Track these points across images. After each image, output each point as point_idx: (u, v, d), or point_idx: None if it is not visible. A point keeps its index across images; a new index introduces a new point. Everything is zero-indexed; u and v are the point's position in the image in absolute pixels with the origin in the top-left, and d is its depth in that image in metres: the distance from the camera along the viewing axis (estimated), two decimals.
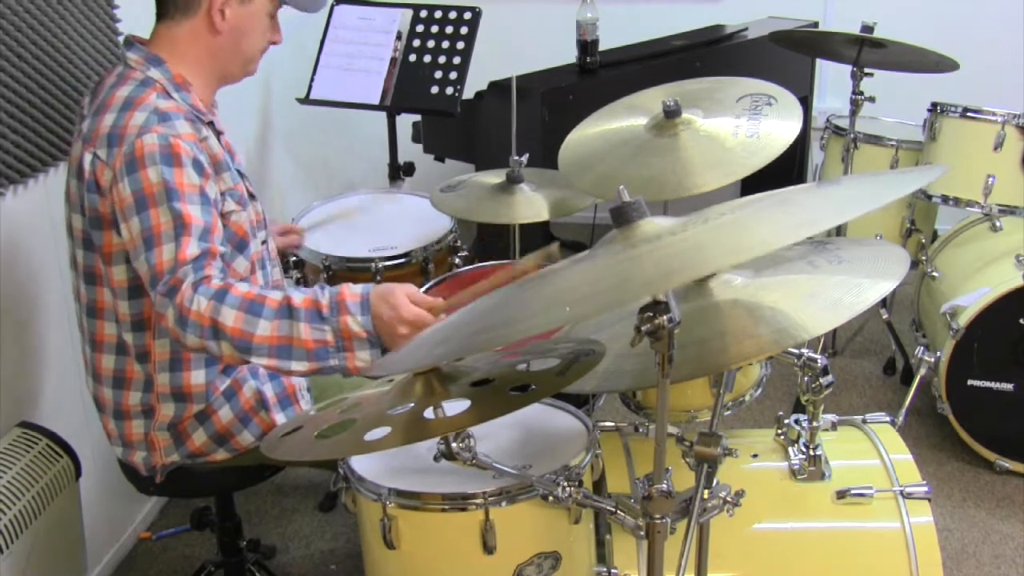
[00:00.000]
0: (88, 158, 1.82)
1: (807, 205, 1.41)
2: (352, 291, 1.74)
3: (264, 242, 2.05)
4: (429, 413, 1.49)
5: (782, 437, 2.00)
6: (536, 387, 1.55)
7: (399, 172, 3.46)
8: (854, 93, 3.23)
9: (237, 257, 1.91)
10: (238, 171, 1.96)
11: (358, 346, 1.73)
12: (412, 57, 3.24)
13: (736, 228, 1.31)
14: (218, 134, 1.94)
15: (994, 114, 3.01)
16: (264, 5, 1.93)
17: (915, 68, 3.20)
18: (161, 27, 1.92)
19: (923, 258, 3.28)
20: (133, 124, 1.79)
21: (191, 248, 1.74)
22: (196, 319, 1.70)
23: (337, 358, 1.73)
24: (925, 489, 1.90)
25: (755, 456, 2.01)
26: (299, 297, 1.73)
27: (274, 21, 1.99)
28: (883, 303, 3.43)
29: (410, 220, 2.77)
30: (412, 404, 1.52)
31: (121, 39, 2.53)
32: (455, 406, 1.51)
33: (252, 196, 2.00)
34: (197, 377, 1.94)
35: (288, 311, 1.72)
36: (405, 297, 1.74)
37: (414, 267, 2.61)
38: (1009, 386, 2.88)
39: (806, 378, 1.88)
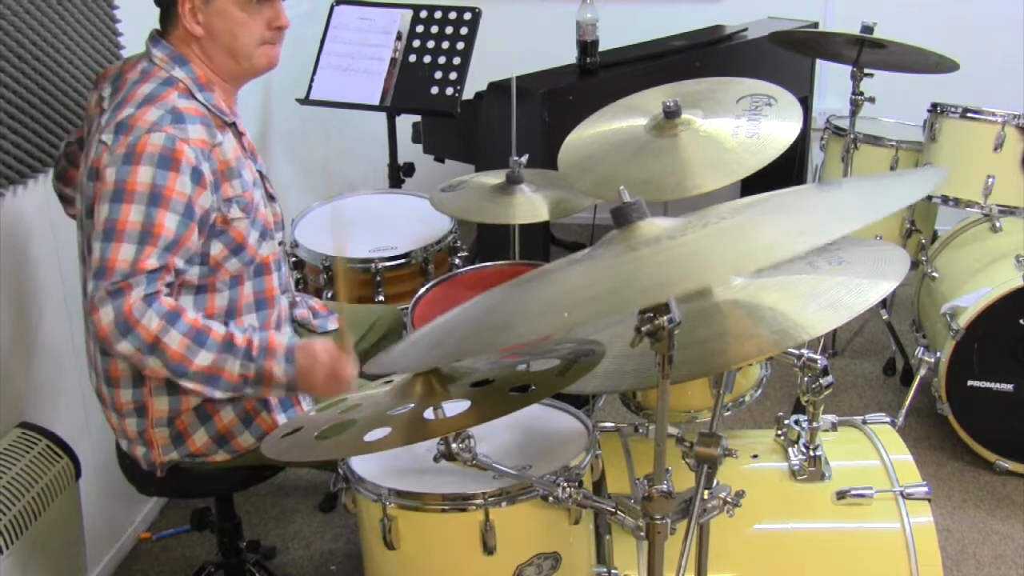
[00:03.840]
0: (96, 145, 1.84)
1: (809, 212, 1.40)
2: (279, 341, 1.87)
3: (281, 243, 2.06)
4: (429, 414, 1.49)
5: (782, 438, 2.00)
6: (536, 387, 1.55)
7: (399, 173, 3.46)
8: (854, 93, 3.23)
9: (231, 259, 1.92)
10: (260, 172, 1.96)
11: (275, 386, 1.87)
12: (412, 57, 3.24)
13: (736, 237, 1.30)
14: (239, 135, 1.93)
15: (994, 115, 3.01)
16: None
17: (915, 69, 3.20)
18: (168, 39, 1.93)
19: (923, 258, 3.28)
20: (146, 119, 1.80)
21: (151, 260, 1.76)
22: (141, 332, 1.75)
23: (254, 388, 1.86)
24: (925, 490, 1.90)
25: (755, 457, 2.01)
26: (240, 336, 1.83)
27: (265, 6, 1.91)
28: (883, 304, 3.43)
29: (410, 220, 2.77)
30: (412, 405, 1.52)
31: (122, 38, 2.54)
32: (455, 406, 1.51)
33: (272, 197, 2.01)
34: None
35: (229, 346, 1.81)
36: (322, 347, 1.87)
37: (414, 267, 2.61)
38: (1009, 387, 2.88)
39: (806, 379, 1.88)
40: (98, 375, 1.98)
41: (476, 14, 3.23)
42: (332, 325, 2.28)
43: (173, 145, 1.77)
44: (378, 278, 2.56)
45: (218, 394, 1.84)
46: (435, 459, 1.61)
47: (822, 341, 3.44)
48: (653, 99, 2.07)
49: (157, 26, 1.95)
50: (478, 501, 1.64)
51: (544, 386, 1.54)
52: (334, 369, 1.85)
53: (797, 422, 1.97)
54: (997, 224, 3.11)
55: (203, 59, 1.92)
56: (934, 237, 3.52)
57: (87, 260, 1.92)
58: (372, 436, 1.48)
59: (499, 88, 3.26)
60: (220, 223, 1.87)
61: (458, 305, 1.55)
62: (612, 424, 2.06)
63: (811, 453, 1.93)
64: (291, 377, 1.85)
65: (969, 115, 3.06)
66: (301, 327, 2.25)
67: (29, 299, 2.29)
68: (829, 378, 1.87)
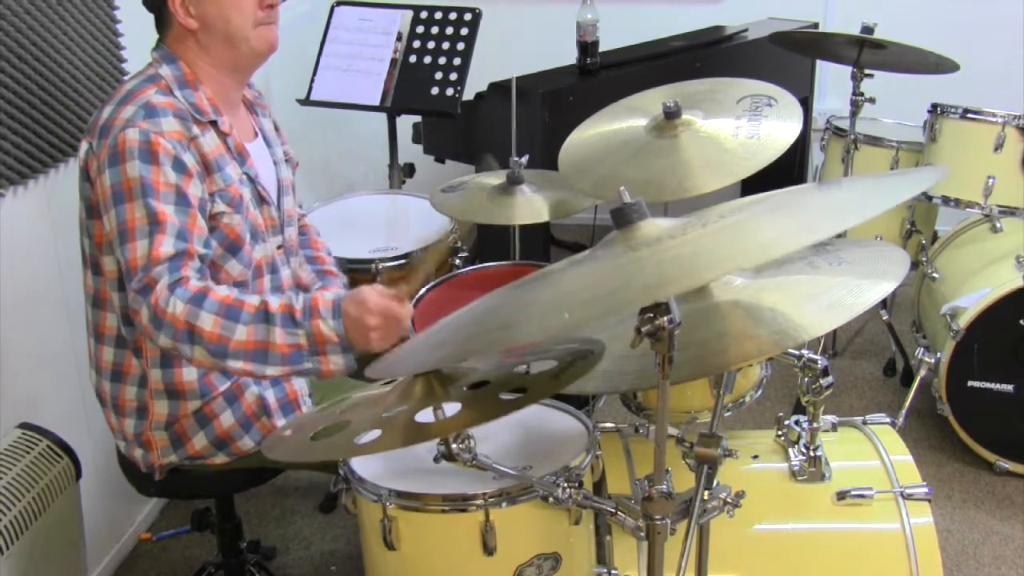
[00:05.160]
0: (84, 148, 1.85)
1: (808, 209, 1.41)
2: (324, 297, 1.76)
3: (280, 247, 2.04)
4: (424, 416, 1.49)
5: (782, 438, 2.00)
6: (529, 391, 1.54)
7: (399, 173, 3.46)
8: (854, 94, 3.23)
9: (230, 260, 1.91)
10: (247, 174, 1.95)
11: (331, 350, 1.74)
12: (412, 58, 3.24)
13: (736, 234, 1.30)
14: (223, 135, 1.92)
15: (994, 115, 3.02)
16: None
17: (915, 69, 3.20)
18: (165, 42, 1.93)
19: (923, 259, 3.28)
20: (121, 117, 1.80)
21: (165, 246, 1.74)
22: (171, 321, 1.71)
23: (311, 361, 1.74)
24: (925, 490, 1.90)
25: (755, 457, 2.01)
26: (275, 302, 1.74)
27: None
28: (883, 304, 3.43)
29: (410, 220, 2.77)
30: (406, 406, 1.51)
31: (122, 39, 2.54)
32: (447, 409, 1.51)
33: (264, 201, 1.99)
34: (189, 374, 1.94)
35: (265, 316, 1.72)
36: (371, 291, 1.75)
37: (414, 268, 2.61)
38: (1009, 387, 2.88)
39: (806, 379, 1.88)
40: (101, 372, 1.98)
41: (476, 14, 3.23)
42: None
43: (148, 138, 1.78)
44: (378, 279, 2.56)
45: (269, 372, 1.72)
46: (435, 459, 1.61)
47: (822, 342, 3.45)
48: (653, 100, 2.07)
49: (156, 26, 1.95)
50: (478, 501, 1.64)
51: (537, 389, 1.53)
52: (387, 311, 1.72)
53: (797, 422, 1.97)
54: (997, 224, 3.11)
55: (200, 54, 1.91)
56: (934, 237, 3.52)
57: (87, 259, 1.93)
58: (364, 439, 1.48)
59: (499, 88, 3.26)
60: (209, 219, 1.86)
61: (459, 306, 1.55)
62: (612, 424, 2.06)
63: (811, 453, 1.93)
64: (342, 333, 1.72)
65: (969, 116, 3.07)
66: None
67: (29, 300, 2.29)
68: (829, 379, 1.87)
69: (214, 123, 1.91)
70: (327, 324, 1.72)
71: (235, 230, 1.90)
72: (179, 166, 1.80)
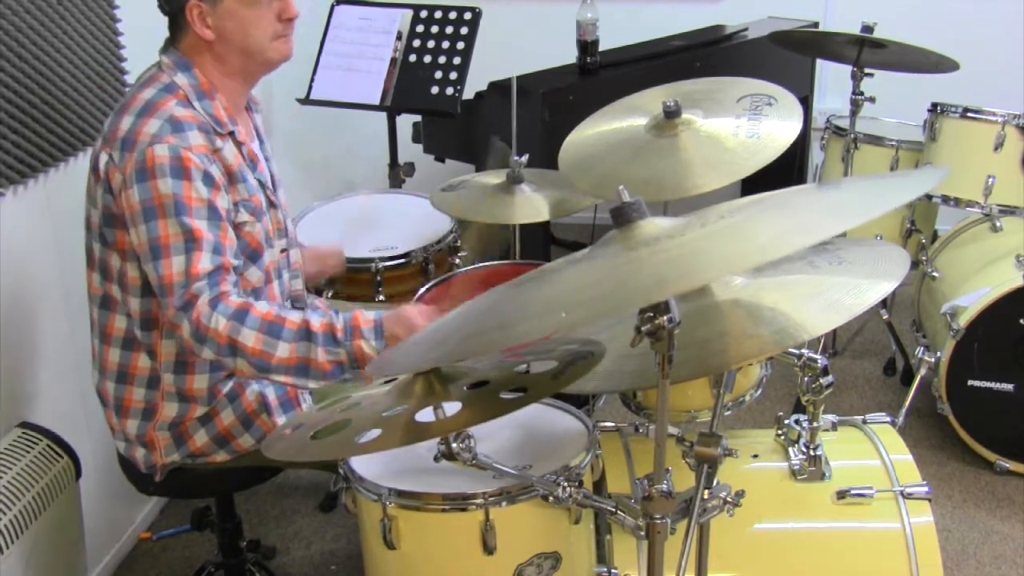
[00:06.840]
0: (104, 158, 1.84)
1: (807, 211, 1.40)
2: (366, 317, 1.80)
3: (284, 251, 2.05)
4: (425, 415, 1.49)
5: (782, 437, 2.00)
6: (529, 390, 1.54)
7: (399, 172, 3.46)
8: (854, 93, 3.23)
9: (250, 267, 1.92)
10: (259, 181, 1.96)
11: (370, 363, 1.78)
12: (412, 57, 3.24)
13: (735, 235, 1.30)
14: (239, 144, 1.92)
15: (994, 114, 3.02)
16: None
17: (915, 68, 3.20)
18: (178, 46, 1.92)
19: (923, 258, 3.28)
20: (146, 132, 1.80)
21: (204, 263, 1.76)
22: (214, 336, 1.74)
23: (351, 373, 1.80)
24: (925, 489, 1.90)
25: (755, 456, 2.01)
26: (316, 321, 1.77)
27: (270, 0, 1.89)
28: (883, 303, 3.43)
29: (410, 220, 2.77)
30: (407, 406, 1.51)
31: (122, 38, 2.54)
32: (447, 408, 1.51)
33: (273, 205, 2.00)
34: (200, 381, 1.95)
35: (307, 334, 1.77)
36: (415, 312, 1.79)
37: (414, 267, 2.61)
38: (1009, 386, 2.88)
39: (806, 378, 1.88)
40: (106, 372, 1.98)
41: (476, 14, 3.23)
42: None
43: (178, 154, 1.78)
44: (378, 278, 2.56)
45: (311, 385, 1.80)
46: (435, 459, 1.61)
47: (822, 341, 3.44)
48: (653, 99, 2.07)
49: (157, 25, 1.94)
50: (478, 501, 1.64)
51: (537, 389, 1.54)
52: None
53: (797, 422, 1.97)
54: (997, 224, 3.11)
55: (215, 63, 1.90)
56: (934, 237, 3.52)
57: (95, 262, 1.93)
58: (365, 438, 1.48)
59: (499, 88, 3.26)
60: (233, 229, 1.87)
61: (458, 305, 1.55)
62: (612, 424, 2.06)
63: (811, 453, 1.93)
64: (383, 352, 1.78)
65: (969, 115, 3.07)
66: None
67: (29, 299, 2.29)
68: (829, 378, 1.87)
69: (231, 133, 1.91)
70: (369, 344, 1.78)
71: (256, 238, 1.92)
72: (208, 180, 1.81)
